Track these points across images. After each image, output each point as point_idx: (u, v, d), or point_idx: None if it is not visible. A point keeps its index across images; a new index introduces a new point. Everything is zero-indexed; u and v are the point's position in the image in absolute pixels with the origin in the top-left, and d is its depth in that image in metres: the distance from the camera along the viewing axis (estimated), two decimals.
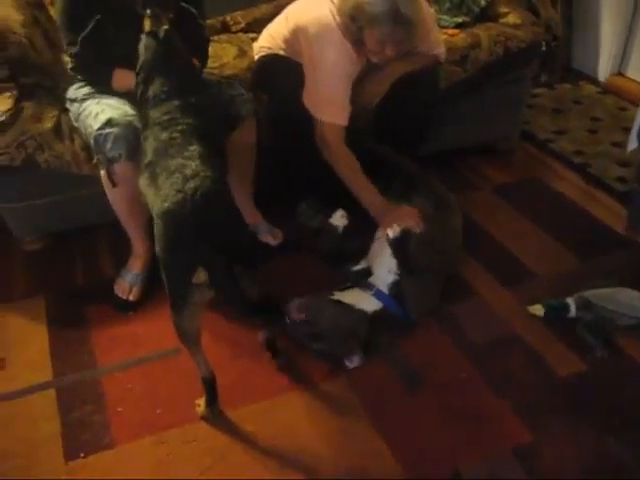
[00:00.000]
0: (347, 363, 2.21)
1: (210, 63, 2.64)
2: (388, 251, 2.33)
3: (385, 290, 2.30)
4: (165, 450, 1.98)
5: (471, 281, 2.57)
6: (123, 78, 2.32)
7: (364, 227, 2.53)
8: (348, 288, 2.33)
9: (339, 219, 2.59)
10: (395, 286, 2.30)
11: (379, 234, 2.47)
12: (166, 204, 1.79)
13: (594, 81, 4.11)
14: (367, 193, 2.51)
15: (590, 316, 2.34)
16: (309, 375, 2.20)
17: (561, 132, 3.57)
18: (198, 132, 1.97)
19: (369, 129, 2.75)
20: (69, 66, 2.44)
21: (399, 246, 2.27)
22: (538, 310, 2.39)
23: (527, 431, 2.02)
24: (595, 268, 2.62)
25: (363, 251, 2.47)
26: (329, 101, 2.48)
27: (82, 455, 1.97)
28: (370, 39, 2.36)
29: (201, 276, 1.78)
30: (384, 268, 2.34)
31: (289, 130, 2.62)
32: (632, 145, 2.71)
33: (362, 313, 2.24)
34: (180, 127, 1.97)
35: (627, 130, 3.49)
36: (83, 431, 2.03)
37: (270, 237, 2.70)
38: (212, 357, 2.05)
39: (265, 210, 2.76)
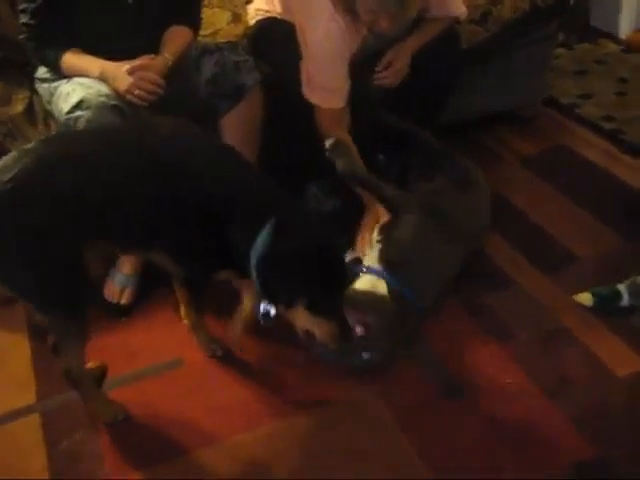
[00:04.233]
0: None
1: (201, 31, 2.35)
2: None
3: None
4: None
5: (506, 267, 2.28)
6: (76, 64, 2.04)
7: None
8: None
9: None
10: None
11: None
12: None
13: (615, 39, 3.78)
14: None
15: None
16: (326, 387, 1.92)
17: (586, 96, 3.26)
18: None
19: (383, 100, 2.44)
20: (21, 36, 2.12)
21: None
22: (586, 299, 2.11)
23: (587, 443, 1.74)
24: None
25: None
26: (320, 84, 2.18)
27: None
28: (362, 9, 2.05)
29: None
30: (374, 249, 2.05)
31: (292, 103, 2.31)
32: None
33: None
34: None
35: None
36: (73, 464, 1.75)
37: None
38: (219, 375, 1.76)
39: None
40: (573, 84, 3.37)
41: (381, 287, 1.93)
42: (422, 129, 2.46)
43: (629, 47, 3.66)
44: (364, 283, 1.96)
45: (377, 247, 2.02)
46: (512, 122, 3.03)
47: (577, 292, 2.13)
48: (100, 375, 1.91)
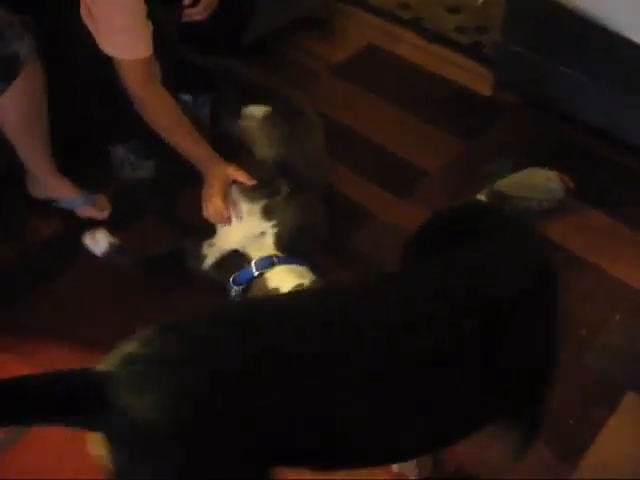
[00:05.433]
0: None
1: None
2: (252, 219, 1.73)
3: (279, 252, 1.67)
4: None
5: (360, 200, 2.10)
6: None
7: None
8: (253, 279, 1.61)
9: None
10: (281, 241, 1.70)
11: None
12: None
13: None
14: (193, 147, 1.85)
15: (507, 210, 2.00)
16: None
17: None
18: None
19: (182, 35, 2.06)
20: None
21: None
22: None
23: None
24: (483, 146, 2.29)
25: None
26: (119, 31, 1.70)
27: None
28: None
29: None
30: (255, 234, 1.70)
31: (78, 62, 1.86)
32: None
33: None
34: None
35: None
36: None
37: (93, 210, 1.99)
38: None
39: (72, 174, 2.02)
40: None
41: (305, 275, 1.60)
42: (228, 59, 2.14)
43: None
44: (289, 278, 1.58)
45: (269, 231, 1.68)
46: (311, 27, 2.76)
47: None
48: None
